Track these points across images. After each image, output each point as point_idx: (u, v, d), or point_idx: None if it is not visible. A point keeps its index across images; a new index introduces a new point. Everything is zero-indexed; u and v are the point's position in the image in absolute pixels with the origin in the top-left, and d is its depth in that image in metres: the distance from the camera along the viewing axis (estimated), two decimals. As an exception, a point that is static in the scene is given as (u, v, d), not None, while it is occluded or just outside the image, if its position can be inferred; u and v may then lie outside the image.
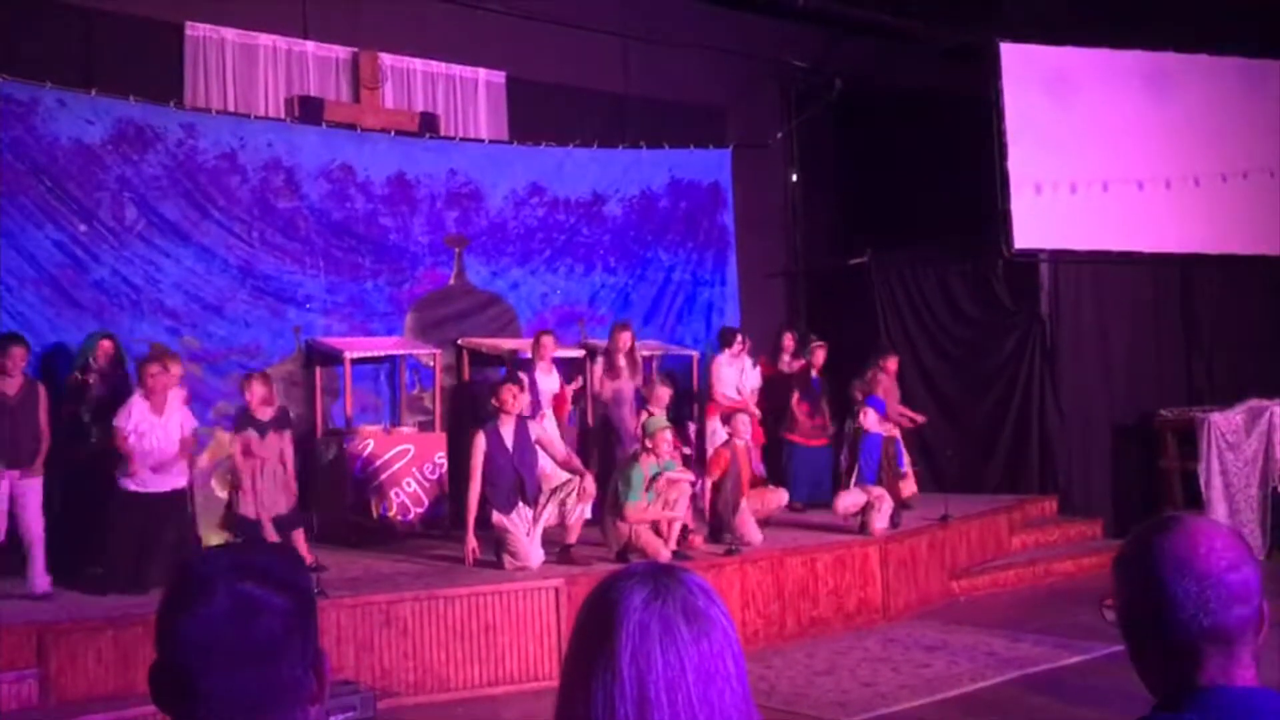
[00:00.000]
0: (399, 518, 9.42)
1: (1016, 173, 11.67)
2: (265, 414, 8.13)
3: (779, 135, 13.55)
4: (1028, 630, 8.29)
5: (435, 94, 11.38)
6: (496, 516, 7.94)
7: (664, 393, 9.51)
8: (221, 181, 9.91)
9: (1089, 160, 11.81)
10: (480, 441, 7.99)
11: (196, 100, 10.01)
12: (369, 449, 9.39)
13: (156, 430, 7.61)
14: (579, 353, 10.84)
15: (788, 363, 11.18)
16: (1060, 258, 11.86)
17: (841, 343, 11.40)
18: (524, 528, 7.96)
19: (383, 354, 10.30)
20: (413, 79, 11.29)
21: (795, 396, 10.82)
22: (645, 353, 10.84)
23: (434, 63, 11.37)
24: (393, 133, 10.84)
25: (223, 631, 1.30)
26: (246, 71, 10.34)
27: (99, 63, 9.60)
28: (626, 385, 10.03)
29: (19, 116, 8.93)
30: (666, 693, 1.21)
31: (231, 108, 10.16)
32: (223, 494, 8.75)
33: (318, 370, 10.07)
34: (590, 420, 10.53)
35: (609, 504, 8.26)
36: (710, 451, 9.55)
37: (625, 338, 10.06)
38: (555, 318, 11.46)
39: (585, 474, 8.29)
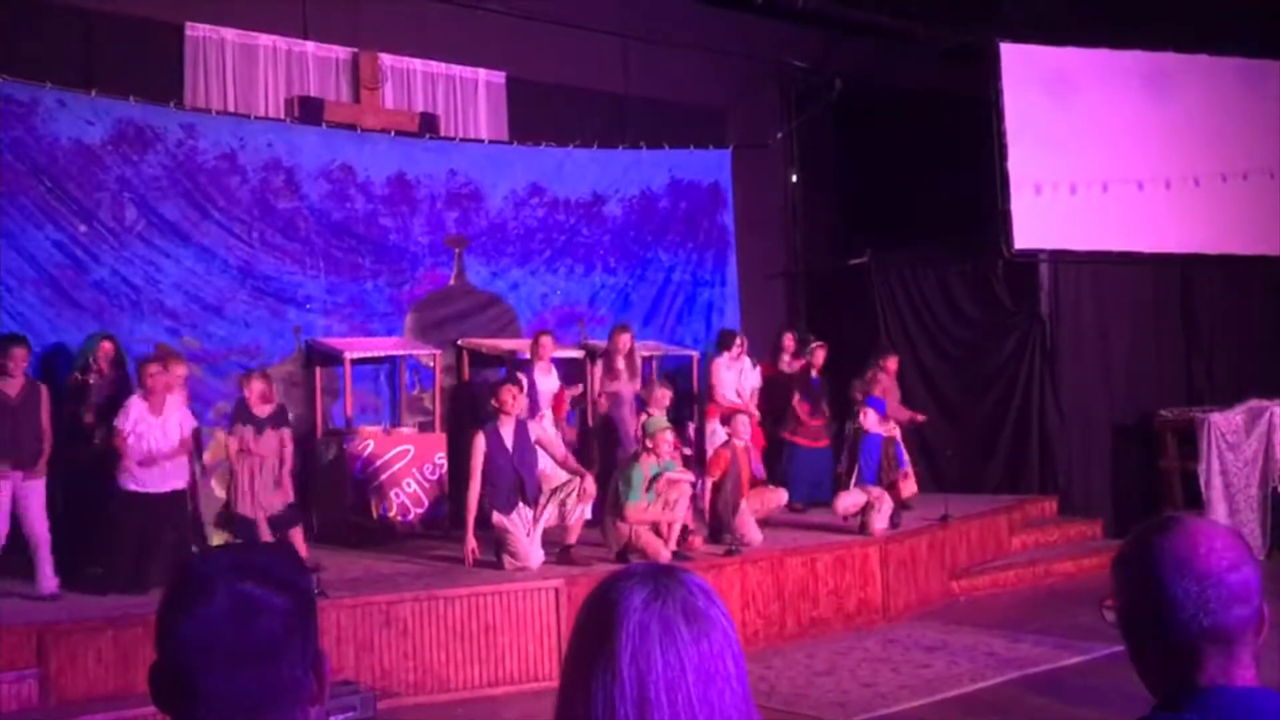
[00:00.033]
0: (399, 518, 9.42)
1: (1016, 173, 11.67)
2: (263, 411, 8.15)
3: (779, 135, 13.55)
4: (1028, 630, 8.29)
5: (435, 94, 11.38)
6: (497, 517, 7.94)
7: (664, 394, 9.52)
8: (221, 182, 9.91)
9: (1089, 160, 11.81)
10: (480, 442, 7.99)
11: (196, 101, 10.02)
12: (369, 449, 9.39)
13: (155, 430, 7.61)
14: (578, 353, 10.84)
15: (788, 363, 11.18)
16: (1060, 258, 11.86)
17: (841, 343, 11.39)
18: (524, 528, 7.96)
19: (383, 354, 10.30)
20: (413, 79, 11.29)
21: (796, 397, 10.82)
22: (645, 353, 10.84)
23: (434, 63, 11.37)
24: (393, 133, 10.84)
25: (223, 631, 1.30)
26: (246, 72, 10.34)
27: (99, 63, 9.60)
28: (625, 387, 10.03)
29: (19, 117, 8.93)
30: (666, 693, 1.21)
31: (231, 108, 10.16)
32: (221, 494, 8.76)
33: (318, 371, 10.07)
34: (590, 421, 10.53)
35: (609, 504, 8.26)
36: (710, 452, 9.56)
37: (625, 339, 10.07)
38: (555, 318, 11.46)
39: (585, 474, 8.29)
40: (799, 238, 13.89)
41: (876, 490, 9.25)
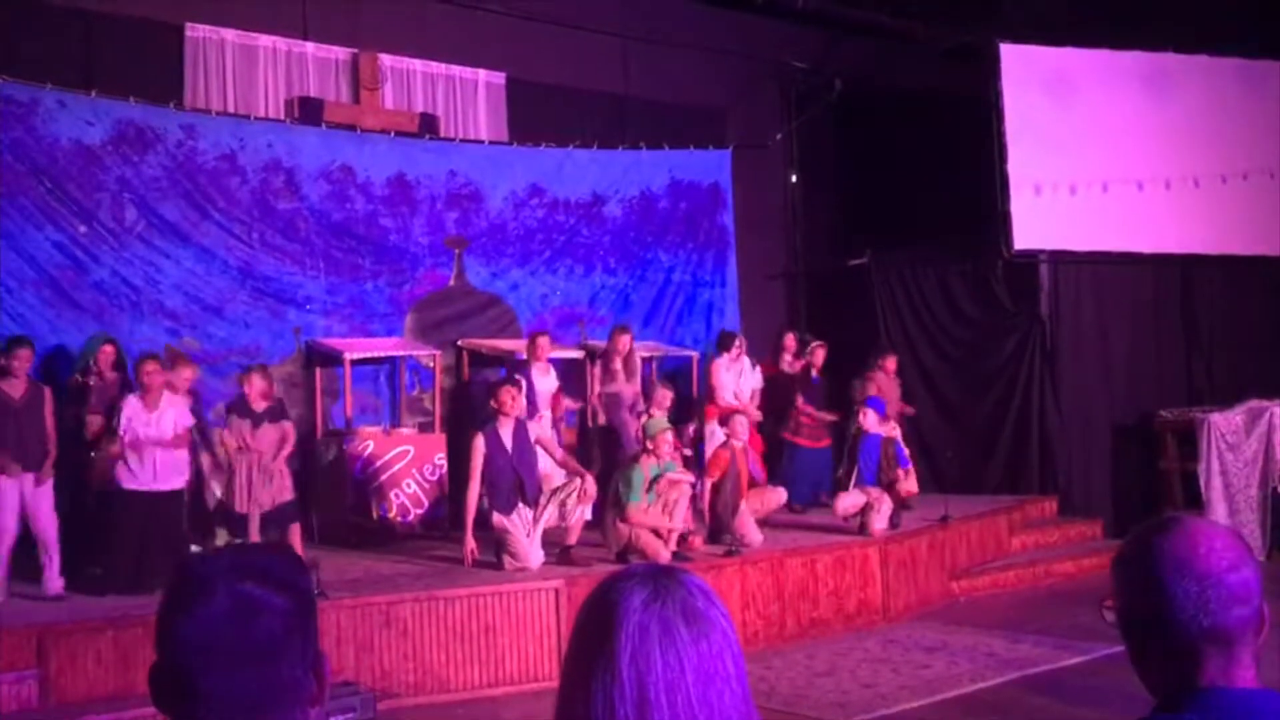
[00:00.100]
0: (399, 519, 9.42)
1: (1016, 173, 11.67)
2: (260, 405, 8.16)
3: (779, 136, 13.55)
4: (1028, 631, 8.29)
5: (435, 95, 11.38)
6: (496, 517, 7.94)
7: (665, 395, 9.52)
8: (221, 182, 9.91)
9: (1089, 161, 11.81)
10: (479, 443, 7.99)
11: (196, 101, 10.02)
12: (369, 450, 9.38)
13: (149, 427, 7.60)
14: (578, 353, 10.84)
15: (789, 363, 11.18)
16: (1060, 258, 11.86)
17: (841, 343, 11.39)
18: (524, 529, 7.96)
19: (382, 355, 10.30)
20: (412, 80, 11.29)
21: (800, 399, 10.79)
22: (645, 354, 10.84)
23: (434, 64, 11.37)
24: (392, 134, 10.84)
25: (223, 632, 1.30)
26: (246, 72, 10.34)
27: (99, 64, 9.61)
28: (624, 388, 10.03)
29: (19, 117, 8.94)
30: (666, 694, 1.21)
31: (231, 109, 10.16)
32: (220, 492, 8.75)
33: (318, 371, 10.07)
34: (590, 422, 10.53)
35: (609, 505, 8.26)
36: (709, 453, 9.55)
37: (625, 341, 10.06)
38: (555, 319, 11.46)
39: (585, 475, 8.29)
40: (799, 238, 13.89)
41: (876, 491, 9.25)
